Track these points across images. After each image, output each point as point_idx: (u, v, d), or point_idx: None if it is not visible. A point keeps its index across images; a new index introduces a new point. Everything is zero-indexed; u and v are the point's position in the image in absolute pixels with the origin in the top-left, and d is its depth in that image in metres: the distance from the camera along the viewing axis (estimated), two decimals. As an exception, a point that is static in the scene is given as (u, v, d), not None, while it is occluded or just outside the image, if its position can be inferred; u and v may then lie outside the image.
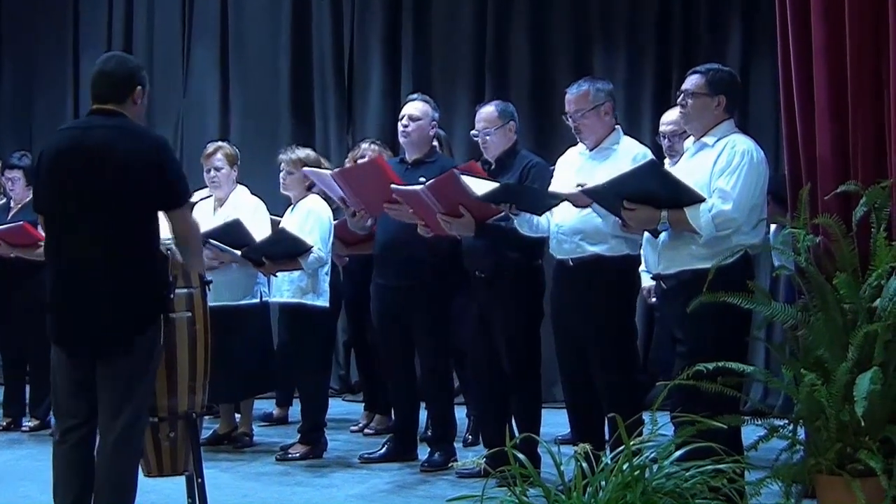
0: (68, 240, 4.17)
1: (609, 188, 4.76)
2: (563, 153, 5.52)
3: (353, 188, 5.78)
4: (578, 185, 4.97)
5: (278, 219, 6.68)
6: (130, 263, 4.13)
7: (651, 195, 4.68)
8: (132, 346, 4.12)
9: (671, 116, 5.70)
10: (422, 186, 5.41)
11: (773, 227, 5.37)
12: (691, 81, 4.83)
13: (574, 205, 5.02)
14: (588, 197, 4.91)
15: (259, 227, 6.48)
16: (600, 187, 4.81)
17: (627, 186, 4.71)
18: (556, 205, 5.14)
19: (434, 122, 6.13)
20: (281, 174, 6.53)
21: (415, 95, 6.31)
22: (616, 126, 5.32)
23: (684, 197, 4.64)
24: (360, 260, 6.85)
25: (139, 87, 4.26)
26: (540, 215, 5.26)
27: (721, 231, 4.62)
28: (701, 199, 4.61)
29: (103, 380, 4.17)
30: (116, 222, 4.11)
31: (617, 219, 4.84)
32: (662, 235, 4.78)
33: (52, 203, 4.25)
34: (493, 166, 5.64)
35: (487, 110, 5.67)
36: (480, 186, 5.21)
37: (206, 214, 6.70)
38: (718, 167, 4.68)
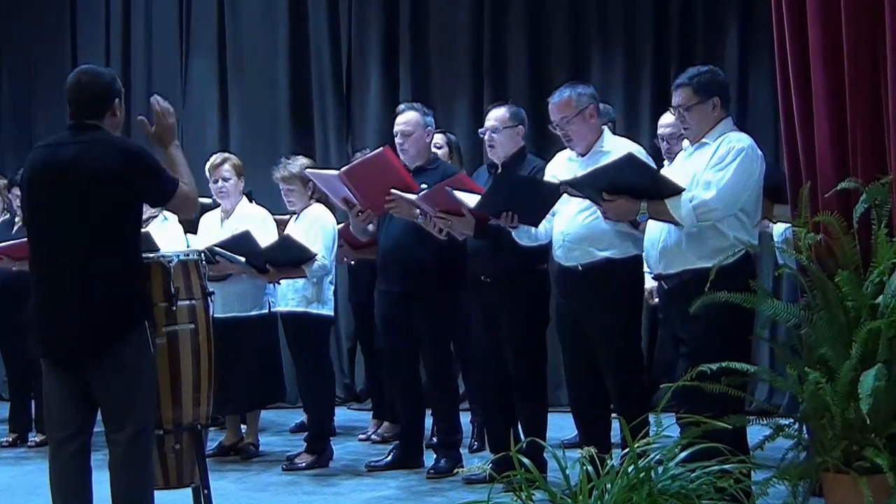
0: (43, 254, 4.21)
1: (587, 180, 4.78)
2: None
3: (359, 187, 5.70)
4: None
5: (285, 218, 6.67)
6: (102, 275, 4.12)
7: (630, 187, 4.70)
8: (112, 356, 4.10)
9: (669, 119, 5.68)
10: (416, 197, 5.43)
11: (775, 226, 5.37)
12: (680, 96, 4.81)
13: (569, 194, 4.98)
14: (568, 187, 4.90)
15: (267, 238, 6.46)
16: (579, 179, 4.83)
17: (605, 179, 4.73)
18: (554, 203, 5.09)
19: (429, 128, 6.10)
20: (282, 192, 6.53)
21: (402, 107, 6.23)
22: (602, 127, 5.30)
23: (663, 188, 4.67)
24: (365, 265, 6.85)
25: (117, 100, 4.28)
26: (537, 225, 5.24)
27: (702, 221, 4.63)
28: (680, 190, 4.63)
29: (100, 395, 4.18)
30: (85, 235, 4.11)
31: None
32: (663, 236, 4.78)
33: (29, 220, 4.31)
34: (499, 169, 5.63)
35: (499, 111, 5.65)
36: (473, 200, 5.21)
37: (214, 226, 6.71)
38: (712, 162, 4.71)
